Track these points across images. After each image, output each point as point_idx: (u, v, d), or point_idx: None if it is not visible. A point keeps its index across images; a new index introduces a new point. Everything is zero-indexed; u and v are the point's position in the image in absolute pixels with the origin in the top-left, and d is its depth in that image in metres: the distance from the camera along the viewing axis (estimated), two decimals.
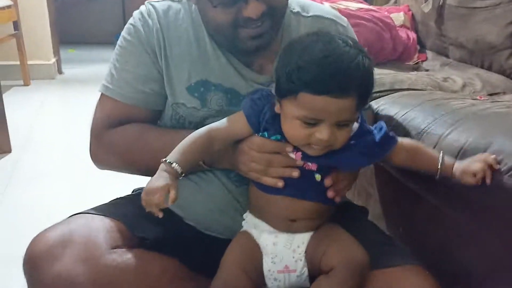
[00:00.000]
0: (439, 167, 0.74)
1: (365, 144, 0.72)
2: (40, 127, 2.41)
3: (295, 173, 0.72)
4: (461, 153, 0.77)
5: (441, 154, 0.75)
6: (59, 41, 3.52)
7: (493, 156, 0.73)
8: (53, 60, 3.33)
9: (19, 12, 2.90)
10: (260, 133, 0.73)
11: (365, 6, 1.74)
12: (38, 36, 3.17)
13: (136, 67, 0.83)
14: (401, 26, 1.76)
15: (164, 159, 0.70)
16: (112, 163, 0.89)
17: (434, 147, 0.84)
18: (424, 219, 1.01)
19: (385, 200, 1.18)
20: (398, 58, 1.66)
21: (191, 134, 0.74)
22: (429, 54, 1.74)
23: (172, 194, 0.66)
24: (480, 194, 0.74)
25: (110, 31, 4.75)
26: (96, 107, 0.88)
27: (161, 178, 0.67)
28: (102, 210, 0.83)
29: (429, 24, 1.72)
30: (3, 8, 2.43)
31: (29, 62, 3.09)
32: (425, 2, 1.70)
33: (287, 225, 0.74)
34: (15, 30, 2.95)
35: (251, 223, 0.77)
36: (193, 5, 0.84)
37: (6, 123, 1.95)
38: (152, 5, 0.85)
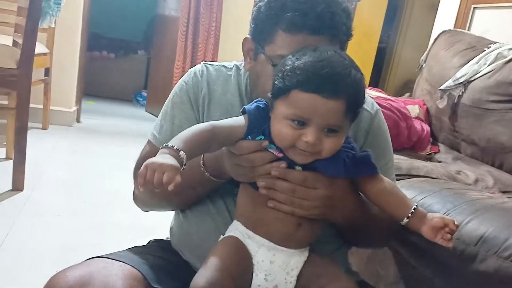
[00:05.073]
0: (409, 214, 0.70)
1: (346, 154, 0.72)
2: (51, 169, 2.45)
3: (283, 165, 0.71)
4: (481, 242, 0.80)
5: (414, 204, 0.72)
6: (82, 92, 3.66)
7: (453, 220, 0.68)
8: (74, 108, 3.44)
9: (52, 60, 3.06)
10: (246, 137, 0.73)
11: (384, 95, 1.85)
12: (65, 85, 3.29)
13: (183, 122, 0.88)
14: (416, 118, 1.85)
15: (167, 144, 0.65)
16: (146, 199, 0.91)
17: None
18: None
19: (395, 282, 1.18)
20: (412, 147, 1.74)
21: (194, 127, 0.71)
22: (441, 147, 1.81)
23: (178, 177, 0.60)
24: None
25: (130, 89, 4.95)
26: (141, 152, 0.92)
27: (168, 159, 0.62)
28: (121, 256, 0.83)
29: (442, 119, 1.80)
30: (39, 54, 2.56)
31: (51, 108, 3.20)
32: (440, 99, 1.80)
33: (292, 233, 0.73)
34: (45, 76, 3.08)
35: (243, 233, 0.74)
36: (243, 75, 0.90)
37: (25, 163, 1.99)
38: (207, 67, 0.91)
